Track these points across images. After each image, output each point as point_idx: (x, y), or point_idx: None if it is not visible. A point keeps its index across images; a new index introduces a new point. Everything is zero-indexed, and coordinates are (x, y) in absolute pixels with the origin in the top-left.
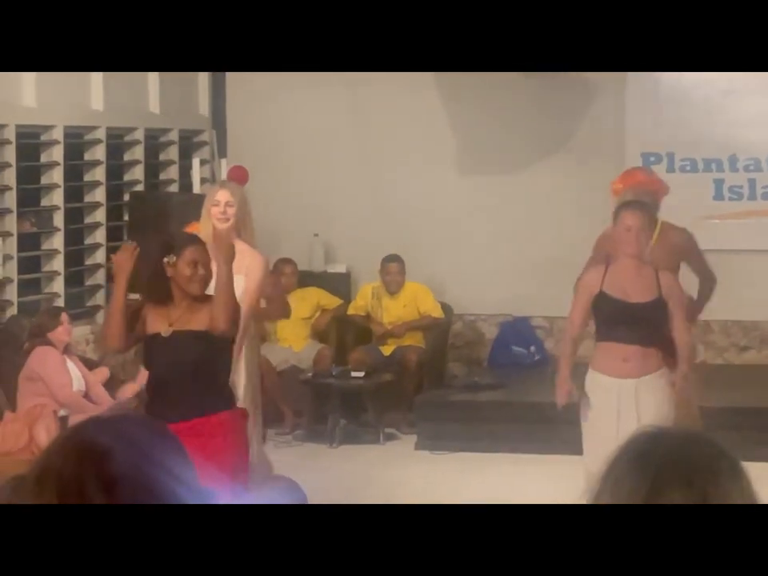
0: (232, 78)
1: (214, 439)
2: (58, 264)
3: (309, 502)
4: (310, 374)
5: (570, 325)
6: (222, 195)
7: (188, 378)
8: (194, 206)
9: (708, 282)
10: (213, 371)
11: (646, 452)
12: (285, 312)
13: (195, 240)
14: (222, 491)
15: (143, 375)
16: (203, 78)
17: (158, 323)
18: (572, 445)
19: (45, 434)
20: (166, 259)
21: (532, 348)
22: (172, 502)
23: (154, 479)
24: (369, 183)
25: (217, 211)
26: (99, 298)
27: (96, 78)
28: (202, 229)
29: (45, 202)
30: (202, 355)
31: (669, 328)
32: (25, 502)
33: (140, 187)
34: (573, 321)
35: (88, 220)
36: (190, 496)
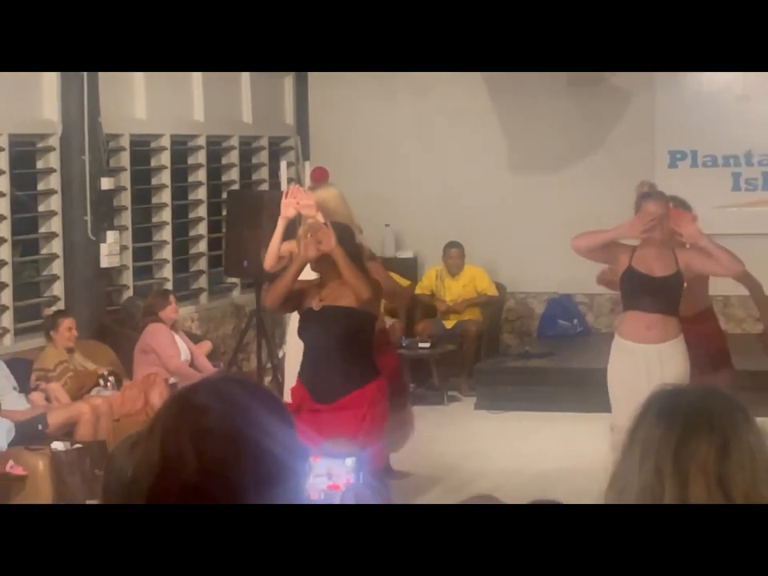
0: (313, 92)
1: (362, 408)
2: (166, 253)
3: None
4: None
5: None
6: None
7: (337, 348)
8: (289, 226)
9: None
10: (358, 344)
11: (671, 405)
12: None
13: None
14: (363, 452)
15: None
16: (289, 92)
17: (311, 299)
18: (608, 404)
19: (158, 399)
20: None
21: (575, 321)
22: (263, 455)
23: (246, 432)
24: (433, 180)
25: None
26: (202, 281)
27: (198, 93)
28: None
29: (155, 199)
30: (349, 328)
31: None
32: (140, 454)
33: (235, 186)
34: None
35: (191, 215)
36: (284, 451)
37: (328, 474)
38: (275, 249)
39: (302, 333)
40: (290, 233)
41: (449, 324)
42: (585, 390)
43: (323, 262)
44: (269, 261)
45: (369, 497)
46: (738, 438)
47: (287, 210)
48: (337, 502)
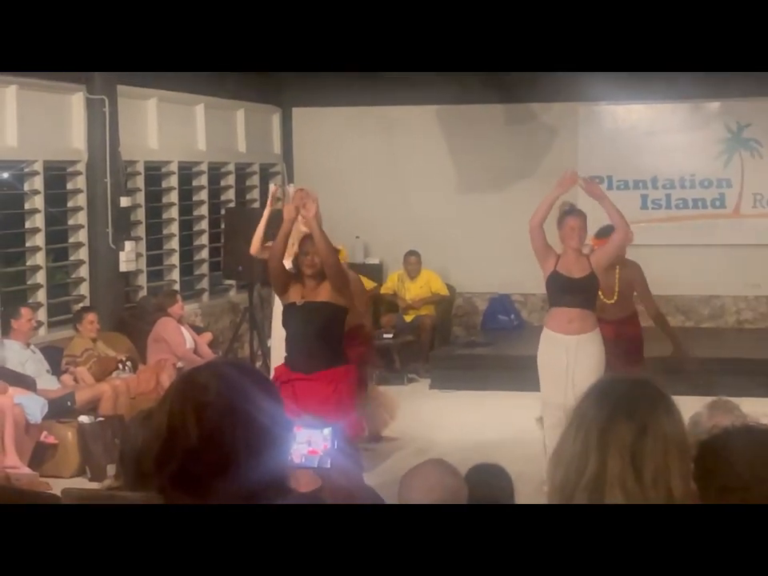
0: (297, 126)
1: (332, 385)
2: (174, 259)
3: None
4: None
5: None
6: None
7: (315, 336)
8: (272, 218)
9: (652, 312)
10: (332, 332)
11: (604, 393)
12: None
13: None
14: (334, 423)
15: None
16: (276, 126)
17: (294, 295)
18: (538, 384)
19: (167, 380)
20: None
21: (512, 316)
22: (254, 425)
23: (240, 406)
24: (395, 199)
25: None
26: (204, 283)
27: (201, 126)
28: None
29: (165, 215)
30: (324, 318)
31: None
32: (152, 424)
33: (232, 204)
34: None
35: (196, 228)
36: (272, 422)
37: (308, 441)
38: (260, 234)
39: (285, 323)
40: (272, 227)
41: (408, 318)
42: (519, 373)
43: (308, 239)
44: (254, 245)
45: (342, 460)
46: (656, 426)
47: (289, 213)
48: (315, 465)
